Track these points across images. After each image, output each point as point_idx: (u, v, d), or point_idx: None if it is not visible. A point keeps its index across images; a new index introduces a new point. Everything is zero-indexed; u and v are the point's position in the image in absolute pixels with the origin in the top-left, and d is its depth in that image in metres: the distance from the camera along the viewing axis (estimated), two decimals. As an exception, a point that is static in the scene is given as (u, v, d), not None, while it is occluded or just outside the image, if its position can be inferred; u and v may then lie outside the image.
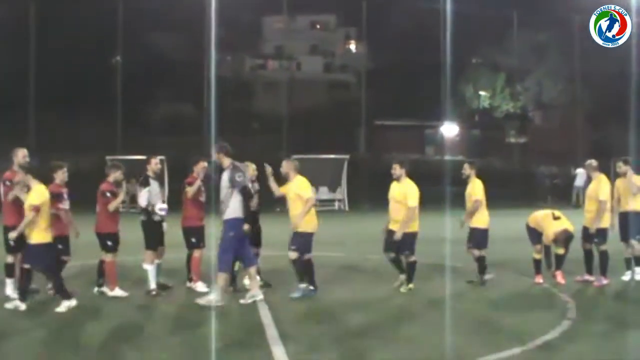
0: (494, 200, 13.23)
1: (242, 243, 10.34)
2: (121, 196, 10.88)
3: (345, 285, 12.16)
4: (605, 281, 11.83)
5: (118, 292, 10.86)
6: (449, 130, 44.40)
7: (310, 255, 10.94)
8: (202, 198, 11.43)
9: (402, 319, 9.63)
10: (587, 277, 12.10)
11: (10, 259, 10.49)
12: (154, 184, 11.10)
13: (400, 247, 11.29)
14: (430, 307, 10.40)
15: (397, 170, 11.48)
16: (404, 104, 45.57)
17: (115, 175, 10.94)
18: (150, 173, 11.18)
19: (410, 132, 47.19)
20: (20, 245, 9.83)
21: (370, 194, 31.33)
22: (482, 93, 47.91)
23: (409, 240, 11.26)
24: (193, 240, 11.37)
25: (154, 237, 11.08)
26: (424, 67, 40.11)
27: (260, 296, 10.31)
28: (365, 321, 9.52)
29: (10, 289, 10.52)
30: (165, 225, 11.26)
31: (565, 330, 8.83)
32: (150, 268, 10.94)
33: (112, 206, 10.69)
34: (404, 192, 11.28)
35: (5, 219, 10.38)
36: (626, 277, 12.23)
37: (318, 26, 67.66)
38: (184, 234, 11.43)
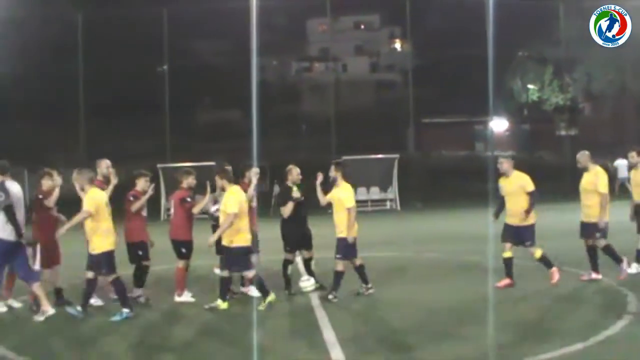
0: (545, 194, 13.06)
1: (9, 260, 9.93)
2: (203, 202, 11.03)
3: (401, 285, 12.15)
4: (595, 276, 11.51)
5: (185, 297, 11.00)
6: (499, 125, 43.97)
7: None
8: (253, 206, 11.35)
9: (462, 317, 9.54)
10: (595, 275, 11.61)
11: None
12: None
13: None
14: (495, 302, 10.13)
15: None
16: (452, 101, 45.25)
17: (188, 181, 11.05)
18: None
19: (458, 128, 46.94)
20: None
21: (421, 192, 31.30)
22: (530, 86, 47.14)
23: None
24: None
25: None
26: (470, 62, 39.68)
27: (50, 312, 9.91)
28: (420, 320, 9.49)
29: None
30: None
31: (626, 325, 8.69)
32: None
33: (134, 207, 10.84)
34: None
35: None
36: (633, 269, 11.79)
37: (362, 26, 67.67)
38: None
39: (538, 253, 11.32)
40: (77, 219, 9.74)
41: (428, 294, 11.23)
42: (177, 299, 11.03)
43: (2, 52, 33.32)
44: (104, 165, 11.06)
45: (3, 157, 10.24)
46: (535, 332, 8.58)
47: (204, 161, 24.39)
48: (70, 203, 10.48)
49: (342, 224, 10.66)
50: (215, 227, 10.88)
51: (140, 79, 39.11)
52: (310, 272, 11.52)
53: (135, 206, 10.83)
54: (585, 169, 11.67)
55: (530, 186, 11.22)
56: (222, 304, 10.22)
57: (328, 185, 11.23)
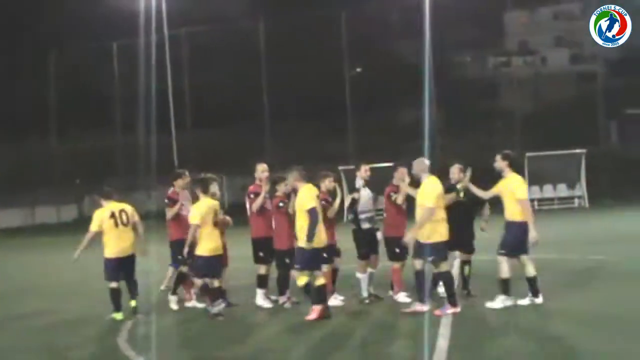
0: None
1: None
2: (335, 204, 11.02)
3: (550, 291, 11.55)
4: None
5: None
6: None
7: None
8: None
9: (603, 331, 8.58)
10: None
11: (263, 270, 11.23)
12: (364, 192, 11.10)
13: None
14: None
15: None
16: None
17: (325, 184, 11.05)
18: (360, 180, 11.20)
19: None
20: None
21: (614, 188, 29.74)
22: None
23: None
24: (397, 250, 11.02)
25: (363, 246, 11.07)
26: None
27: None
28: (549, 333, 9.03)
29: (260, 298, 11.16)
30: (379, 234, 11.19)
31: None
32: (362, 277, 11.01)
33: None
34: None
35: (254, 231, 11.21)
36: None
37: (562, 17, 64.84)
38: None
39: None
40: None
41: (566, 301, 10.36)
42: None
43: (195, 61, 35.96)
44: (260, 169, 11.30)
45: (197, 164, 11.30)
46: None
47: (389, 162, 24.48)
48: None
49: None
50: (356, 231, 10.99)
51: (328, 82, 40.07)
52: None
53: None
54: None
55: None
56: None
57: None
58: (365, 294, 11.01)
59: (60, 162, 42.02)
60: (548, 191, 30.13)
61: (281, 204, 10.90)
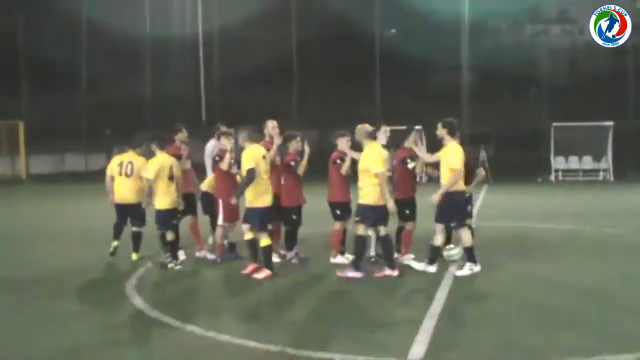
0: None
1: None
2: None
3: (547, 260, 11.59)
4: None
5: (340, 259, 11.27)
6: None
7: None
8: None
9: (588, 302, 8.67)
10: None
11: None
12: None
13: None
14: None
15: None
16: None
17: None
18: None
19: None
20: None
21: (638, 163, 29.46)
22: None
23: None
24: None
25: None
26: None
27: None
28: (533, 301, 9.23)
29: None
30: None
31: None
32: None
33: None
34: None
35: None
36: None
37: (603, -15, 63.57)
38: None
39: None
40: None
41: (560, 272, 10.40)
42: (332, 260, 11.27)
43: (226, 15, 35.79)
44: (270, 126, 11.42)
45: (224, 121, 11.69)
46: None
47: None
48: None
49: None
50: None
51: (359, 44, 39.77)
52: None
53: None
54: None
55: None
56: None
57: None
58: (372, 252, 11.21)
59: (90, 113, 42.71)
60: (573, 162, 29.93)
61: (292, 163, 11.09)
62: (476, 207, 18.66)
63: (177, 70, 41.22)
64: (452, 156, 10.03)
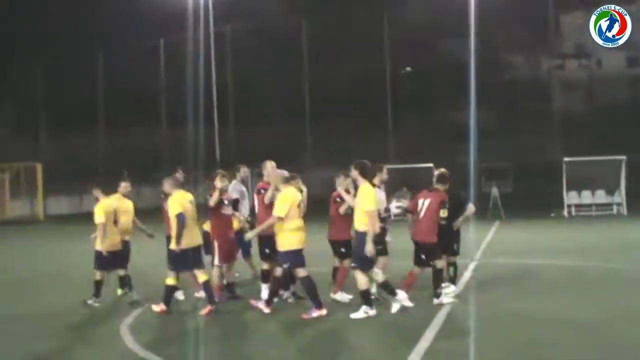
0: None
1: None
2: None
3: (546, 297, 11.53)
4: None
5: (341, 296, 11.27)
6: None
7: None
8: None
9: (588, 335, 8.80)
10: None
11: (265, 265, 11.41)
12: (380, 193, 11.00)
13: None
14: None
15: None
16: None
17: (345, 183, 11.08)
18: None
19: None
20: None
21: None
22: None
23: None
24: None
25: None
26: None
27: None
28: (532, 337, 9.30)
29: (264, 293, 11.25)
30: (389, 235, 11.42)
31: None
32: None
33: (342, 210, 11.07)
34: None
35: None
36: None
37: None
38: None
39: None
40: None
41: (558, 308, 10.43)
42: (333, 295, 11.25)
43: (239, 60, 36.49)
44: (269, 166, 11.52)
45: (239, 160, 11.74)
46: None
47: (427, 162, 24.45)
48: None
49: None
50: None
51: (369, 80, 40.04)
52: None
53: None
54: None
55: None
56: None
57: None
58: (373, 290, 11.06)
59: (108, 156, 43.46)
60: (586, 197, 29.77)
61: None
62: (484, 243, 18.82)
63: (193, 112, 41.80)
64: (362, 199, 10.05)
